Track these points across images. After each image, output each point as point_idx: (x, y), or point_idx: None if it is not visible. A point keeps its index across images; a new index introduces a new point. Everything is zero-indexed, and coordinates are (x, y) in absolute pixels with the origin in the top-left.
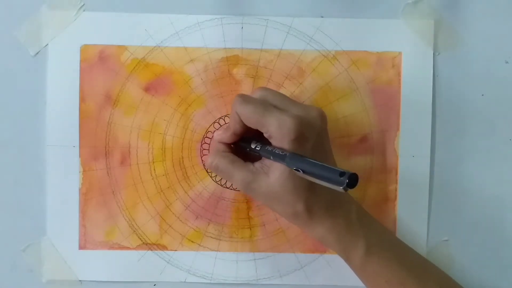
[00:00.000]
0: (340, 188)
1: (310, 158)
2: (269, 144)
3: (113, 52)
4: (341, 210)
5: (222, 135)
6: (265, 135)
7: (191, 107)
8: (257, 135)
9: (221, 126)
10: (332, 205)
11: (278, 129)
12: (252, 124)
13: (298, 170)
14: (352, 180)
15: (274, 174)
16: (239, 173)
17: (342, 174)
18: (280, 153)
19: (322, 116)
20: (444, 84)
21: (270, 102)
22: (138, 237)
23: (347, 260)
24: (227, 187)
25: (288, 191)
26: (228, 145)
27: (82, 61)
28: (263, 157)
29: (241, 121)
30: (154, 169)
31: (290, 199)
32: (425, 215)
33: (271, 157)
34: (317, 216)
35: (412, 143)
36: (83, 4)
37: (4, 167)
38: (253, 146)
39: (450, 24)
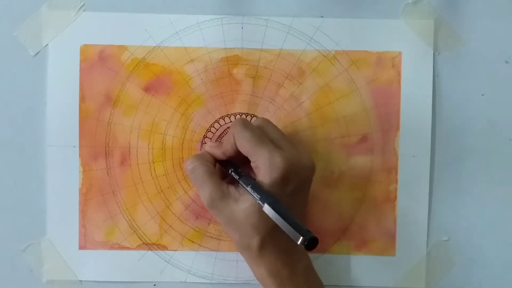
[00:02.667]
0: (299, 238)
1: (283, 206)
2: (250, 176)
3: (113, 52)
4: (291, 260)
5: (213, 148)
6: (252, 164)
7: (191, 107)
8: (242, 164)
9: (217, 141)
10: (284, 253)
11: (266, 163)
12: (244, 151)
13: (271, 206)
14: (313, 242)
15: (243, 203)
16: (211, 186)
17: (307, 232)
18: (258, 188)
19: (312, 168)
20: (444, 84)
21: (267, 135)
22: (138, 237)
23: None
24: None
25: (250, 224)
26: (214, 159)
27: (82, 61)
28: (239, 185)
29: (235, 144)
30: (154, 169)
31: (249, 231)
32: (425, 215)
33: (248, 187)
34: (266, 257)
35: (412, 143)
36: (83, 4)
37: (4, 167)
38: (234, 172)
39: (450, 24)
